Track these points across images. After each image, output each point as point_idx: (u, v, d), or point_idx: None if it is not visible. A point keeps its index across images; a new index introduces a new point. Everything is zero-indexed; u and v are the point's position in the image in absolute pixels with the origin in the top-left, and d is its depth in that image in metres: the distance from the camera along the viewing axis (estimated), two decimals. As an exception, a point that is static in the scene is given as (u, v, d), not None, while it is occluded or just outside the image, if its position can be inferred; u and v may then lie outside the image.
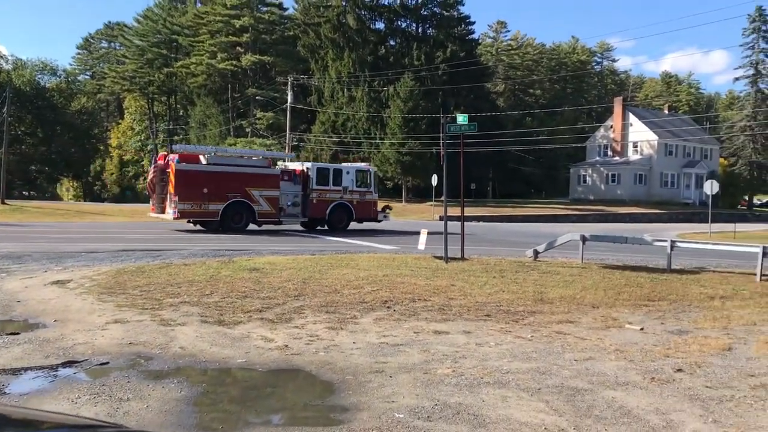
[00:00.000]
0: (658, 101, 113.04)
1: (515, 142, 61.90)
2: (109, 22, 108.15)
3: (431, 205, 50.05)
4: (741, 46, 74.70)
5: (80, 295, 11.00)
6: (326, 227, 28.20)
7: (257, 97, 75.95)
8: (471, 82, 62.48)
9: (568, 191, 71.75)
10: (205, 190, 24.45)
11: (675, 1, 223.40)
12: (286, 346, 7.75)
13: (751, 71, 73.48)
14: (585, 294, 12.31)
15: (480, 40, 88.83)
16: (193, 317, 9.28)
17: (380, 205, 30.33)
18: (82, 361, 6.98)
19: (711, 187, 33.80)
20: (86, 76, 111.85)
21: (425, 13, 67.60)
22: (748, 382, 6.74)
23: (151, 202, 26.49)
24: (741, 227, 40.01)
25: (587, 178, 69.52)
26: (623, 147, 68.42)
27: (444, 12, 67.33)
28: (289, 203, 26.81)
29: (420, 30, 68.43)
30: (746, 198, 75.40)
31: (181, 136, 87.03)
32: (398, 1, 66.57)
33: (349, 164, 30.52)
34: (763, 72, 73.11)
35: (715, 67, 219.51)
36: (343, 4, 65.24)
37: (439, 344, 8.03)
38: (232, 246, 20.10)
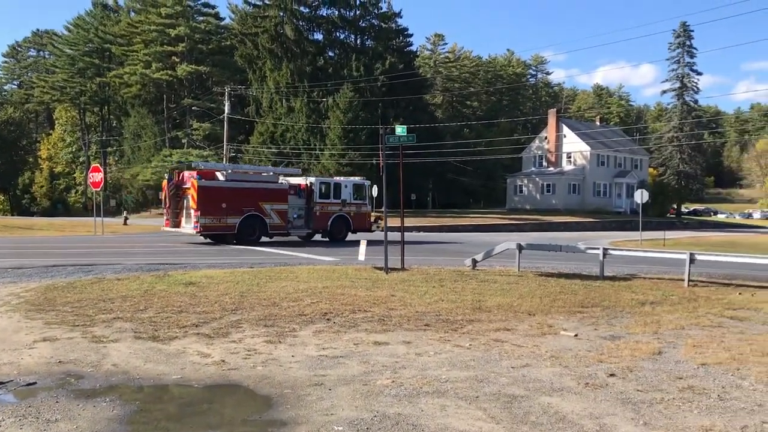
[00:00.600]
0: (590, 113, 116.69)
1: (454, 153, 62.79)
2: (38, 30, 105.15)
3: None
4: (667, 60, 77.85)
5: (6, 313, 10.58)
6: (327, 238, 29.51)
7: (193, 108, 74.78)
8: (410, 94, 63.09)
9: (506, 201, 72.86)
10: (224, 205, 25.76)
11: (606, 15, 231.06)
12: (223, 361, 7.63)
13: (678, 84, 76.46)
14: (522, 302, 12.52)
15: (418, 53, 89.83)
16: (127, 333, 9.05)
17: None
18: (7, 382, 6.70)
19: (641, 197, 34.83)
20: (13, 86, 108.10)
21: (364, 24, 67.98)
22: (677, 384, 6.96)
23: (165, 217, 27.44)
24: (670, 235, 41.35)
25: (524, 188, 70.87)
26: (557, 158, 70.15)
27: (382, 24, 67.85)
28: (295, 216, 28.28)
29: (359, 41, 68.74)
30: (675, 206, 77.98)
31: (114, 147, 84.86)
32: (336, 13, 66.77)
33: (347, 178, 32.03)
34: (689, 85, 76.17)
35: (644, 80, 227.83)
36: (281, 14, 64.98)
37: (379, 355, 8.04)
38: (168, 260, 19.72)
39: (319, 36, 67.87)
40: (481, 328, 9.93)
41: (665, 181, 75.44)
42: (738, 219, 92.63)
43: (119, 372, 7.13)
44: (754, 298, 13.84)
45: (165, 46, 75.26)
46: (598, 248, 17.36)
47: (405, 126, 18.36)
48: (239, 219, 26.20)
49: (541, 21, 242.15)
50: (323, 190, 28.99)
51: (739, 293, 14.44)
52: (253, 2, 69.23)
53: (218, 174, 26.68)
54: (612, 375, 7.28)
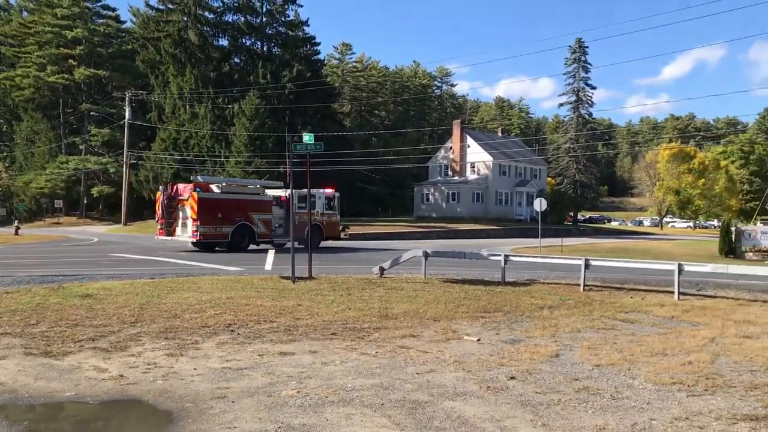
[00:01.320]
0: (492, 124, 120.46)
1: (362, 161, 63.06)
2: None
3: (279, 224, 49.79)
4: (564, 74, 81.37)
5: None
6: (303, 245, 29.98)
7: (92, 113, 71.67)
8: (318, 102, 62.88)
9: (413, 209, 73.74)
10: (219, 215, 27.84)
11: (507, 30, 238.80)
12: (121, 375, 7.34)
13: (573, 98, 79.93)
14: (427, 308, 12.68)
15: (326, 61, 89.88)
16: (16, 349, 8.55)
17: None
18: None
19: (540, 205, 36.01)
20: None
21: (270, 32, 67.29)
22: (573, 385, 7.22)
23: (158, 226, 28.90)
24: (567, 241, 42.89)
25: (430, 197, 71.87)
26: (462, 167, 71.67)
27: (289, 32, 67.37)
28: (277, 225, 30.31)
29: (266, 48, 67.94)
30: (571, 214, 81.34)
31: (5, 153, 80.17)
32: (242, 19, 65.74)
33: (319, 190, 33.29)
34: (584, 99, 79.77)
35: (543, 93, 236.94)
36: (185, 19, 63.38)
37: (285, 366, 7.94)
38: (64, 271, 18.77)
39: (224, 42, 66.73)
40: (387, 335, 9.98)
41: (562, 190, 78.60)
42: (630, 226, 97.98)
43: (6, 391, 6.73)
44: (644, 301, 14.44)
45: (61, 49, 71.93)
46: (500, 255, 17.78)
47: (312, 134, 18.25)
48: (232, 228, 28.32)
49: (446, 33, 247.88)
50: (300, 202, 30.35)
51: (630, 297, 14.94)
52: (155, 6, 67.33)
53: (213, 187, 28.69)
54: (512, 378, 7.46)
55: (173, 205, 28.58)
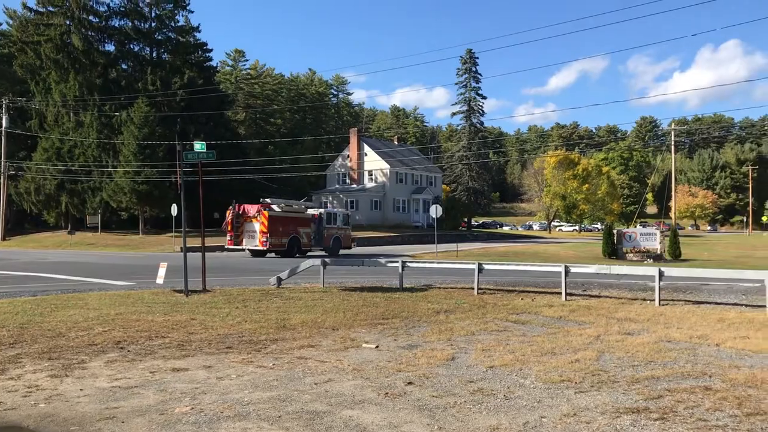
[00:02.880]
0: (389, 133, 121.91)
1: (259, 170, 61.98)
2: None
3: (171, 236, 48.34)
4: (456, 84, 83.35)
5: None
6: (327, 253, 36.55)
7: (-36, 121, 66.99)
8: (210, 110, 61.38)
9: None
10: (280, 229, 34.74)
11: (403, 41, 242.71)
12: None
13: (465, 107, 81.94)
14: (326, 317, 12.65)
15: (219, 68, 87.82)
16: None
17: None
18: None
19: (436, 211, 36.74)
20: None
21: (160, 37, 65.03)
22: (468, 387, 7.39)
23: (228, 237, 35.17)
24: (462, 246, 44.16)
25: (329, 205, 71.17)
26: (360, 175, 72.02)
27: (180, 38, 65.34)
28: (314, 237, 37.13)
29: (155, 54, 65.56)
30: (466, 220, 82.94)
31: None
32: (130, 24, 63.18)
33: (339, 209, 43.90)
34: (475, 108, 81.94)
35: (438, 103, 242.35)
36: (67, 23, 60.16)
37: (178, 382, 7.71)
38: (-68, 291, 17.50)
39: (110, 47, 63.68)
40: (285, 346, 9.87)
41: (457, 196, 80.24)
42: (520, 230, 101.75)
43: None
44: (534, 302, 14.97)
45: (-73, 51, 66.86)
46: (398, 261, 18.01)
47: (204, 142, 17.79)
48: (288, 239, 35.27)
49: (341, 42, 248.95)
50: (328, 218, 37.89)
51: (521, 299, 15.47)
52: (34, 8, 63.70)
53: (275, 207, 35.36)
54: (410, 383, 7.55)
55: (241, 221, 34.97)
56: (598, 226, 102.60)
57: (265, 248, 34.44)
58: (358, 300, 15.13)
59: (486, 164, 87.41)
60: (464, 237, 63.50)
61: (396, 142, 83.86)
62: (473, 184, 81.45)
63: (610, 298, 16.03)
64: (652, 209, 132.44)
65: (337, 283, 19.09)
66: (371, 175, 71.47)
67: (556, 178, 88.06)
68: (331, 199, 70.74)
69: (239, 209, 35.51)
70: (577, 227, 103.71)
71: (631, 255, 35.63)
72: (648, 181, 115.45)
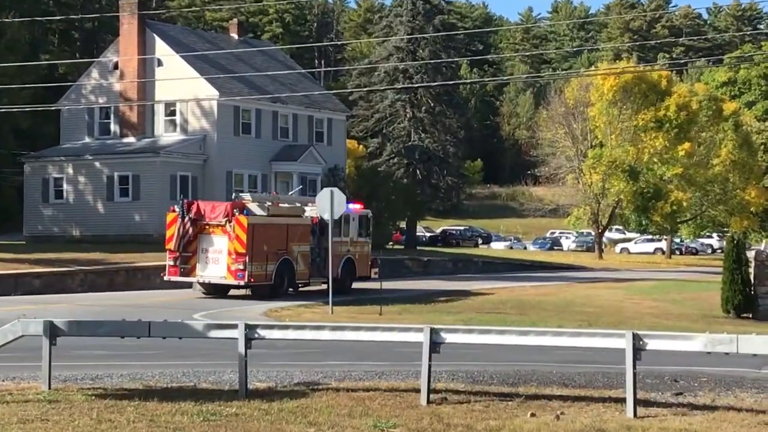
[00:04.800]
0: (217, 12, 74.69)
1: None
2: None
3: None
4: None
5: None
6: (331, 287, 25.53)
7: None
8: None
9: (23, 219, 44.99)
10: (265, 248, 25.76)
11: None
12: None
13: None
14: None
15: None
16: None
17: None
18: None
19: (332, 202, 23.40)
20: None
21: None
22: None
23: (169, 262, 26.28)
24: (396, 287, 32.51)
25: (64, 188, 43.66)
26: (143, 115, 41.67)
27: None
28: (313, 259, 28.10)
29: None
30: (402, 225, 57.27)
31: None
32: None
33: (351, 207, 29.97)
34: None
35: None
36: None
37: None
38: None
39: None
40: None
41: (385, 169, 54.86)
42: (533, 250, 65.17)
43: None
44: (560, 425, 9.58)
45: None
46: (237, 325, 11.79)
47: None
48: (276, 265, 26.27)
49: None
50: (334, 225, 26.28)
51: (532, 414, 10.07)
52: None
53: (254, 207, 26.70)
54: None
55: (191, 232, 26.03)
56: (714, 240, 71.25)
57: (238, 281, 25.49)
58: (137, 427, 9.04)
59: (453, 92, 57.57)
60: (402, 266, 42.12)
61: (236, 36, 49.28)
62: (424, 142, 53.65)
63: (741, 411, 10.60)
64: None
65: (86, 378, 12.18)
66: (172, 114, 42.41)
67: (617, 126, 56.29)
68: (71, 173, 41.78)
69: (190, 210, 26.21)
70: (662, 243, 67.56)
71: None
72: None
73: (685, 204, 56.63)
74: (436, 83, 52.08)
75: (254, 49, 49.69)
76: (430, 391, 11.08)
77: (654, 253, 69.28)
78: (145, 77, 41.71)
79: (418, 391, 11.19)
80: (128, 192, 40.83)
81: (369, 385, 12.52)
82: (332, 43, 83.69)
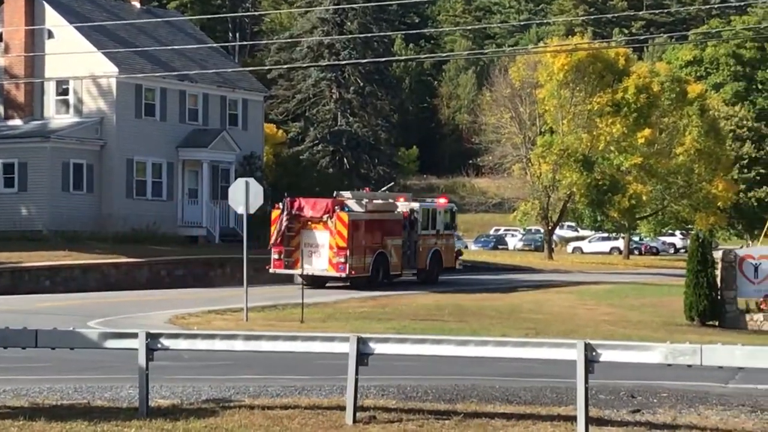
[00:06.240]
0: None
1: None
2: None
3: None
4: None
5: None
6: (420, 279, 36.16)
7: None
8: None
9: None
10: (363, 242, 32.07)
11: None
12: None
13: None
14: None
15: None
16: None
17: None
18: None
19: (247, 195, 24.11)
20: None
21: None
22: None
23: (275, 256, 32.15)
24: (321, 294, 32.24)
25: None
26: (31, 93, 44.13)
27: None
28: (404, 252, 34.59)
29: None
30: None
31: None
32: None
33: (438, 201, 38.72)
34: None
35: None
36: None
37: None
38: None
39: None
40: None
41: (308, 158, 58.59)
42: (475, 249, 70.34)
43: None
44: None
45: None
46: (137, 333, 12.30)
47: None
48: (372, 258, 32.43)
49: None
50: (424, 219, 35.18)
51: None
52: None
53: (352, 203, 32.83)
54: None
55: (294, 227, 31.81)
56: (677, 239, 73.93)
57: (339, 273, 31.48)
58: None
59: (385, 71, 59.16)
60: None
61: (138, 5, 49.12)
62: (352, 127, 56.39)
63: (705, 430, 11.39)
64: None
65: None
66: (65, 94, 42.73)
67: (569, 110, 57.21)
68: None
69: (293, 206, 31.92)
70: (620, 242, 70.17)
71: (759, 316, 25.21)
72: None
73: (644, 198, 57.52)
74: (366, 60, 54.18)
75: (159, 19, 49.36)
76: (356, 408, 11.32)
77: (610, 252, 70.61)
78: (34, 51, 41.59)
79: (343, 408, 11.52)
80: (14, 182, 40.57)
81: (287, 402, 12.78)
82: (248, 13, 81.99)
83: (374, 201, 34.27)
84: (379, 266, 33.00)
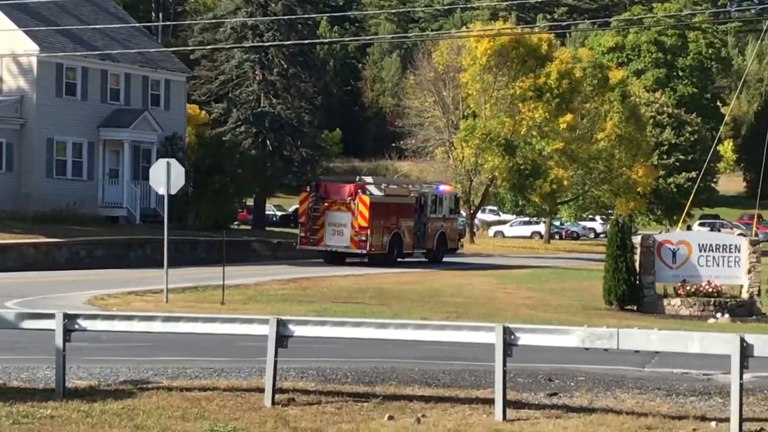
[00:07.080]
0: None
1: None
2: None
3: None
4: None
5: None
6: (427, 259, 39.72)
7: None
8: None
9: None
10: (382, 222, 36.02)
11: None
12: None
13: None
14: None
15: None
16: None
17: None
18: None
19: (168, 176, 22.53)
20: None
21: None
22: None
23: (303, 234, 36.59)
24: (243, 273, 33.15)
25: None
26: None
27: None
28: (415, 233, 38.28)
29: None
30: (248, 203, 62.67)
31: None
32: None
33: (444, 187, 42.02)
34: None
35: None
36: None
37: None
38: None
39: None
40: None
41: (230, 139, 55.51)
42: None
43: None
44: (420, 429, 10.20)
45: None
46: (54, 314, 12.27)
47: None
48: (389, 237, 35.99)
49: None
50: (431, 203, 38.75)
51: (389, 417, 10.62)
52: None
53: (372, 188, 36.25)
54: None
55: (319, 208, 35.40)
56: (597, 224, 75.66)
57: (361, 251, 35.16)
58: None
59: (309, 53, 58.63)
60: (248, 249, 43.02)
61: None
62: (276, 109, 55.14)
63: (621, 414, 11.04)
64: (731, 184, 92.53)
65: None
66: None
67: (491, 94, 57.93)
68: None
69: (320, 190, 35.99)
70: (541, 227, 71.84)
71: (677, 301, 25.40)
72: (724, 111, 79.01)
73: (566, 183, 58.47)
74: (289, 42, 52.98)
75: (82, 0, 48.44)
76: (275, 390, 11.31)
77: (531, 237, 71.83)
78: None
79: (262, 390, 11.47)
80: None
81: (206, 383, 12.77)
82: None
83: (391, 186, 37.96)
84: (395, 245, 36.48)
